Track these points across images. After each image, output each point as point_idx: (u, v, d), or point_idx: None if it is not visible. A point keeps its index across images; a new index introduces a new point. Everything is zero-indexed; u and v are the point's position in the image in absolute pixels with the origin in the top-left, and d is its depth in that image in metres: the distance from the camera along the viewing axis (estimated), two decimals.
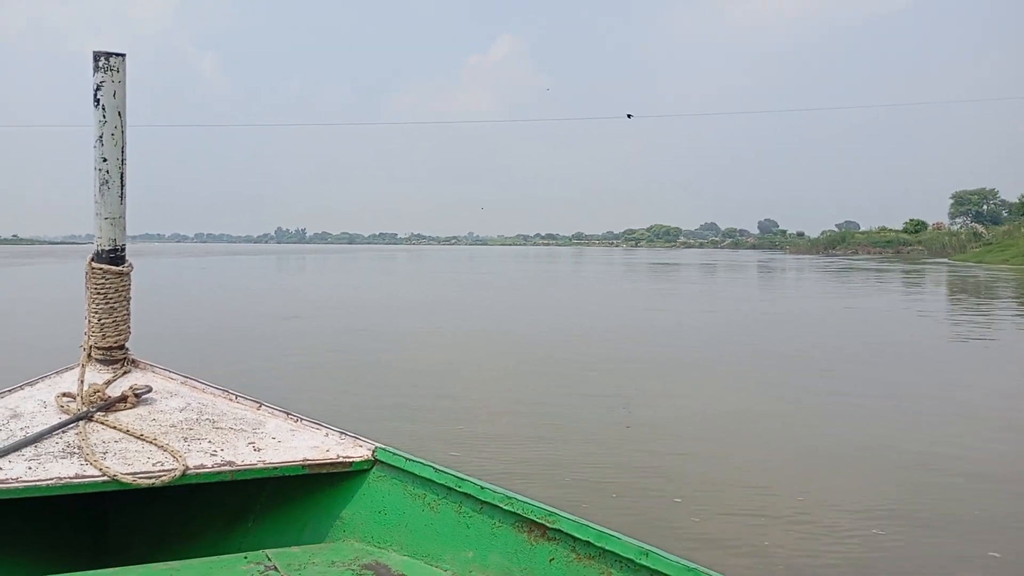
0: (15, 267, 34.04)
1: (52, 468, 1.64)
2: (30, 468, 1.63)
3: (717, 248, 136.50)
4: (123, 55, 2.04)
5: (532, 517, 1.57)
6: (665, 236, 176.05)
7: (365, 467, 1.86)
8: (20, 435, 1.77)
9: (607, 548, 1.45)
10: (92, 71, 2.01)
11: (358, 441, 1.93)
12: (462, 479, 1.69)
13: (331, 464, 1.83)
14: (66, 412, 1.91)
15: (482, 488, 1.65)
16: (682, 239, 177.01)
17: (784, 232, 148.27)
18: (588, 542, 1.48)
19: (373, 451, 1.88)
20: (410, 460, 1.80)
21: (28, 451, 1.70)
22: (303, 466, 1.80)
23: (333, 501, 1.88)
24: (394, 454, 1.84)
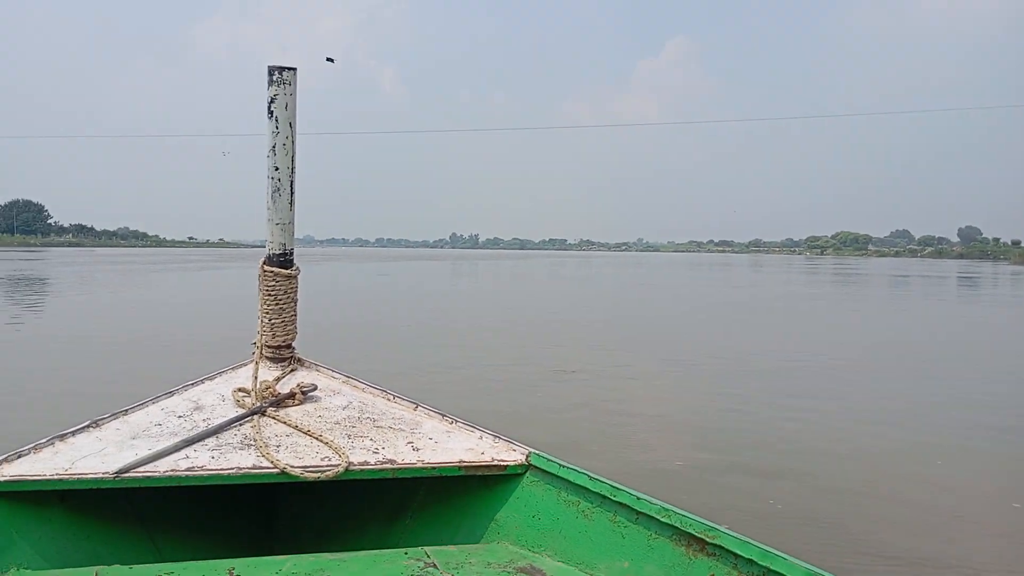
0: (212, 270, 37.24)
1: (232, 458, 1.75)
2: (213, 457, 1.75)
3: (917, 257, 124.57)
4: (294, 69, 2.16)
5: (691, 531, 1.51)
6: (853, 244, 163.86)
7: (519, 471, 1.86)
8: (203, 426, 1.91)
9: (772, 568, 1.36)
10: (267, 84, 2.13)
11: (512, 445, 1.93)
12: (617, 488, 1.65)
13: (486, 467, 1.84)
14: (241, 406, 2.04)
15: (638, 498, 1.61)
16: (872, 247, 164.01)
17: (997, 240, 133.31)
18: (752, 560, 1.40)
19: (527, 456, 1.87)
20: (564, 467, 1.78)
21: (211, 441, 1.84)
22: (459, 467, 1.82)
23: (487, 503, 1.89)
24: (548, 460, 1.82)
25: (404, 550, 1.65)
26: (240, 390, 2.10)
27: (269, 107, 2.14)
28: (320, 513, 2.33)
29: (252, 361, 2.27)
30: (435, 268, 45.81)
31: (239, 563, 1.55)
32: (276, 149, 2.16)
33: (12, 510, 1.64)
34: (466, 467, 1.83)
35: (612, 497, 1.66)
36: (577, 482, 1.74)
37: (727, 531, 1.46)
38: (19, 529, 1.63)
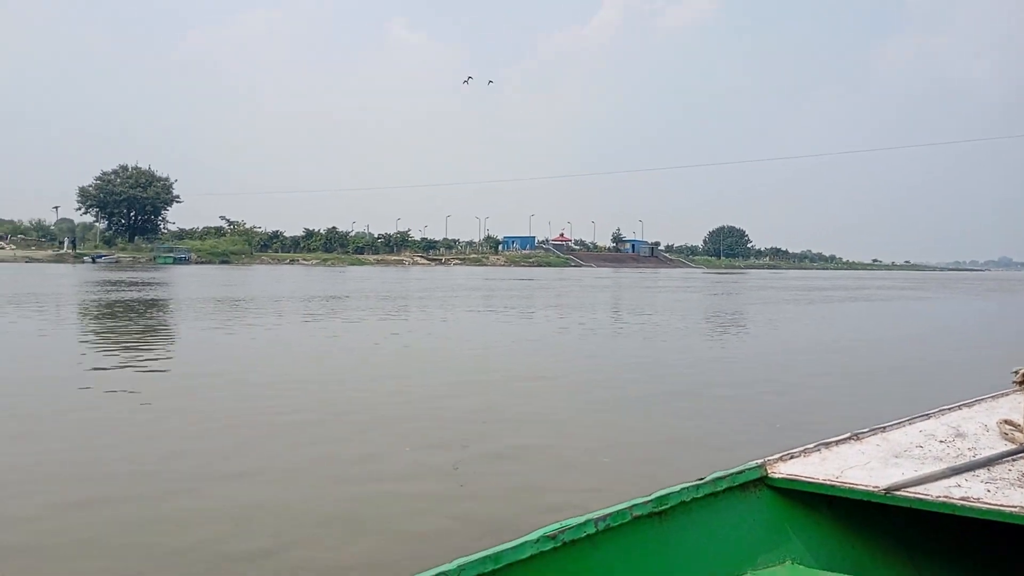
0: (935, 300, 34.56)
1: (1010, 495, 1.63)
2: (988, 491, 1.66)
3: None
4: None
5: None
6: None
7: None
8: (968, 455, 1.82)
9: None
10: None
11: None
12: None
13: None
14: (1009, 440, 1.88)
15: None
16: None
17: None
18: None
19: None
20: None
21: (981, 473, 1.74)
22: None
23: None
24: None
25: None
26: (1007, 422, 1.93)
27: None
28: None
29: (1017, 391, 2.06)
30: None
31: None
32: None
33: (786, 506, 1.84)
34: None
35: None
36: None
37: None
38: (792, 525, 1.82)
